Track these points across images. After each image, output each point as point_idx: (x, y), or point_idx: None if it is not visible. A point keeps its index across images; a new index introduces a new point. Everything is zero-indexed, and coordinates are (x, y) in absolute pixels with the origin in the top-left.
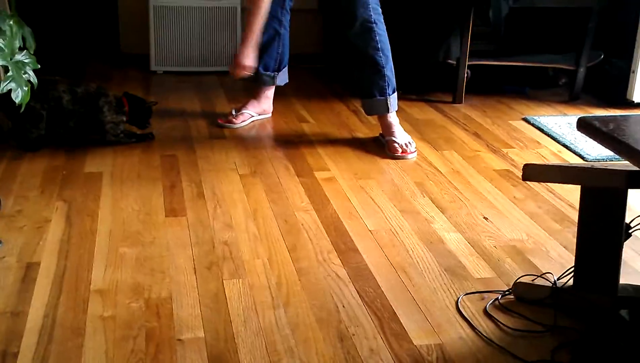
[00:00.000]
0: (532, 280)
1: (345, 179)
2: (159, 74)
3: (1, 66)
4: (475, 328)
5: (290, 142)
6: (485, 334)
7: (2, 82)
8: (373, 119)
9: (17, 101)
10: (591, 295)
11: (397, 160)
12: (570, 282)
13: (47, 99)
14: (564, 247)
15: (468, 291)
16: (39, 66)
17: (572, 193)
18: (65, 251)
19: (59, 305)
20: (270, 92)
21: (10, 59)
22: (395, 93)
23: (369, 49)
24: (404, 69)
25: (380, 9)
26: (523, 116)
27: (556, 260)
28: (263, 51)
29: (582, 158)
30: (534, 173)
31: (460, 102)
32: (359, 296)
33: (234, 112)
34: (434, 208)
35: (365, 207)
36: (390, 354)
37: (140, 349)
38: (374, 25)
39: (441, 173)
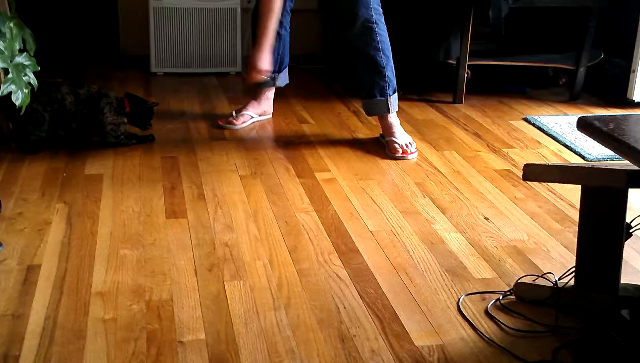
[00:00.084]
0: (533, 280)
1: (346, 180)
2: (159, 76)
3: (1, 68)
4: (477, 329)
5: (290, 143)
6: (486, 334)
7: (2, 84)
8: (373, 120)
9: (17, 103)
10: (592, 294)
11: (397, 161)
12: (572, 282)
13: (50, 101)
14: (565, 247)
15: (469, 292)
16: (39, 68)
17: (572, 192)
18: (66, 253)
19: (60, 307)
20: (270, 94)
21: (11, 62)
22: (396, 93)
23: (369, 49)
24: (404, 69)
25: (381, 10)
26: (523, 116)
27: (557, 259)
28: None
29: (583, 157)
30: (535, 173)
31: (460, 102)
32: (360, 297)
33: (234, 114)
34: (435, 209)
35: (366, 208)
36: (391, 355)
37: (142, 351)
38: (375, 25)
39: (442, 173)
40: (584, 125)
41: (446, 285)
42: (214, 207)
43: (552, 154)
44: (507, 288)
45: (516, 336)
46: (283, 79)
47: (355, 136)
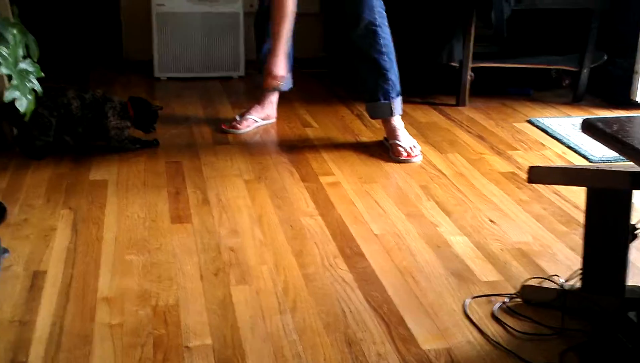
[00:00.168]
0: (539, 283)
1: (350, 184)
2: (162, 81)
3: (5, 74)
4: (483, 332)
5: (294, 147)
6: (493, 337)
7: (6, 91)
8: (377, 123)
9: (21, 109)
10: (599, 297)
11: (401, 164)
12: (578, 284)
13: (57, 106)
14: (571, 249)
15: (475, 295)
16: (43, 74)
17: (578, 194)
18: (72, 259)
19: (66, 313)
20: (274, 98)
21: (14, 68)
22: (400, 97)
23: (373, 51)
24: (407, 72)
25: (384, 13)
26: (527, 118)
27: (563, 262)
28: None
29: (587, 159)
30: (539, 175)
31: (463, 104)
32: (366, 301)
33: (238, 118)
34: (439, 212)
35: (371, 211)
36: (398, 359)
37: (148, 357)
38: (379, 28)
39: (446, 176)
40: (588, 127)
41: (452, 288)
42: (219, 212)
43: (556, 156)
44: (513, 291)
45: (523, 339)
46: (287, 83)
47: (359, 140)
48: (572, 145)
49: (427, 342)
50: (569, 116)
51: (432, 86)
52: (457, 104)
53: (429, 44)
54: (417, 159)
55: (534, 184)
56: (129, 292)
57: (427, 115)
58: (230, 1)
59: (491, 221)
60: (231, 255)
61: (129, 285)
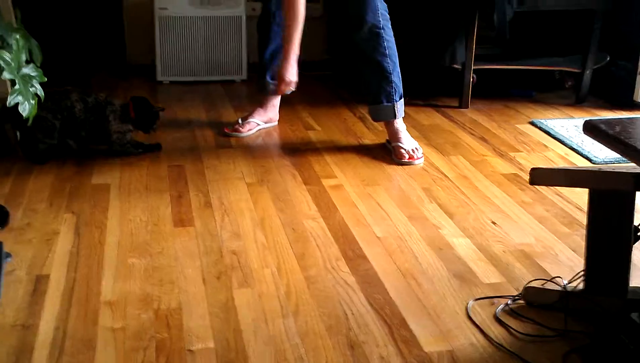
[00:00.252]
0: (542, 285)
1: (353, 186)
2: (165, 84)
3: (8, 79)
4: (486, 334)
5: (296, 150)
6: (495, 339)
7: (9, 95)
8: (379, 126)
9: (24, 114)
10: (601, 298)
11: (404, 166)
12: (581, 286)
13: (60, 109)
14: (573, 250)
15: (478, 297)
16: (46, 79)
17: (580, 195)
18: (75, 263)
19: (69, 317)
20: (276, 101)
21: (17, 73)
22: (402, 99)
23: (376, 54)
24: (409, 74)
25: (388, 16)
26: (530, 120)
27: (565, 263)
28: (270, 60)
29: (590, 160)
30: (542, 176)
31: (466, 106)
32: (368, 303)
33: (240, 121)
34: (442, 214)
35: (373, 214)
36: (400, 361)
37: (151, 361)
38: (382, 31)
39: (448, 178)
40: (590, 128)
41: (454, 290)
42: (221, 215)
43: (559, 158)
44: (516, 293)
45: (525, 341)
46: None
47: (361, 142)
48: (574, 146)
49: (430, 344)
50: (572, 117)
51: (434, 88)
52: (460, 106)
53: (432, 46)
54: (419, 162)
55: (536, 186)
56: (132, 296)
57: (430, 117)
58: (233, 5)
59: (493, 223)
60: (233, 258)
61: (132, 288)
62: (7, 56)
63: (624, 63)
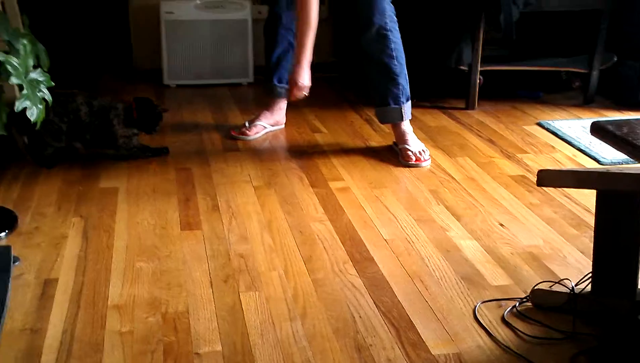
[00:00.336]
0: (550, 287)
1: (360, 189)
2: (171, 88)
3: (16, 84)
4: (493, 336)
5: (303, 152)
6: (503, 342)
7: (17, 100)
8: (386, 128)
9: (32, 119)
10: (609, 300)
11: (411, 168)
12: (589, 288)
13: (67, 112)
14: (581, 252)
15: (485, 299)
16: (54, 84)
17: (588, 197)
18: (83, 267)
19: (77, 321)
20: (283, 104)
21: (25, 78)
22: (409, 101)
23: (383, 56)
24: (416, 76)
25: (395, 17)
26: (537, 121)
27: (573, 265)
28: (277, 63)
29: (598, 161)
30: (549, 178)
31: (473, 108)
32: (376, 306)
33: (247, 125)
34: (449, 216)
35: (380, 216)
36: None
37: None
38: (389, 32)
39: (455, 180)
40: (598, 129)
41: (462, 292)
42: (229, 218)
43: (566, 159)
44: (524, 295)
45: (533, 343)
46: None
47: (368, 145)
48: (582, 147)
49: (437, 347)
50: (580, 118)
51: (441, 90)
52: (467, 108)
53: (438, 47)
54: (426, 164)
55: (544, 188)
56: (139, 299)
57: (437, 119)
58: (239, 8)
59: (501, 224)
60: (241, 261)
61: (139, 292)
62: (14, 61)
63: (632, 63)
